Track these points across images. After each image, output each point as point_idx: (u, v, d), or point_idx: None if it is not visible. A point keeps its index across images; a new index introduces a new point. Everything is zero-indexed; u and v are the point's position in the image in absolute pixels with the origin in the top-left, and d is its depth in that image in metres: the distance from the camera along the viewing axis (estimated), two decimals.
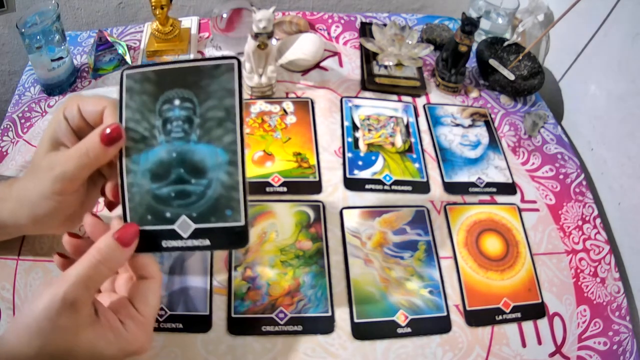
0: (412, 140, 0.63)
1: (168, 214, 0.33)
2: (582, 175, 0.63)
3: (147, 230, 0.33)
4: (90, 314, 0.32)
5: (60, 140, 0.36)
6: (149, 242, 0.34)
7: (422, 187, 0.58)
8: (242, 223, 0.33)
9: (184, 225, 0.33)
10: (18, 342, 0.30)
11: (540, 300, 0.51)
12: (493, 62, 0.69)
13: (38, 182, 0.36)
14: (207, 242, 0.33)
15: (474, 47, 0.73)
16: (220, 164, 0.33)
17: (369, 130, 0.63)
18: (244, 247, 0.34)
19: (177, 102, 0.33)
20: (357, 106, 0.66)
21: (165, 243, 0.34)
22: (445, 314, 0.48)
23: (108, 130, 0.33)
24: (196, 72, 0.33)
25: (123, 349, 0.33)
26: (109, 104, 0.35)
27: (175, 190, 0.33)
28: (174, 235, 0.33)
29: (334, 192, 0.56)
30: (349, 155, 0.60)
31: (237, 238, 0.33)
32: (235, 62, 0.33)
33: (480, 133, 0.65)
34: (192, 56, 0.70)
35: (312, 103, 0.65)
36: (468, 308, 0.49)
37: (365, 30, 0.77)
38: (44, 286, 0.30)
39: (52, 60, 0.61)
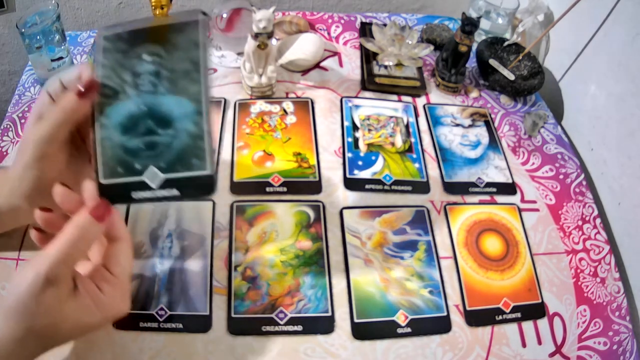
0: (412, 140, 0.63)
1: (137, 166, 0.34)
2: (582, 175, 0.63)
3: (118, 183, 0.34)
4: (71, 287, 0.33)
5: (45, 115, 0.37)
6: (120, 194, 0.34)
7: (422, 187, 0.58)
8: (208, 171, 0.33)
9: (153, 175, 0.34)
10: (5, 324, 0.31)
11: (540, 300, 0.51)
12: (493, 62, 0.69)
13: (22, 154, 0.37)
14: (175, 192, 0.34)
15: (474, 47, 0.73)
16: (186, 114, 0.34)
17: (369, 130, 0.63)
18: (211, 194, 0.35)
19: (146, 57, 0.34)
20: (357, 106, 0.66)
21: (135, 194, 0.34)
22: (445, 314, 0.48)
23: (82, 84, 0.34)
24: (165, 29, 0.34)
25: (104, 314, 0.34)
26: (85, 67, 0.36)
27: (144, 141, 0.34)
28: (144, 186, 0.34)
29: (334, 192, 0.56)
30: (349, 155, 0.60)
31: (204, 187, 0.34)
32: (200, 16, 0.34)
33: (480, 133, 0.65)
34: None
35: (312, 103, 0.65)
36: (468, 308, 0.49)
37: (365, 30, 0.77)
38: (25, 267, 0.32)
39: (52, 60, 0.62)
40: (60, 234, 0.33)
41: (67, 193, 0.35)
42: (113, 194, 0.34)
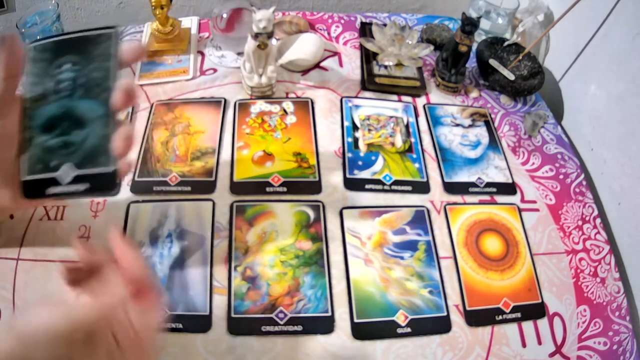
0: (412, 140, 0.63)
1: (54, 163, 0.38)
2: (582, 175, 0.63)
3: (35, 179, 0.38)
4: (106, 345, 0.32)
5: None
6: (36, 190, 0.38)
7: (422, 187, 0.58)
8: (112, 168, 0.37)
9: (65, 172, 0.37)
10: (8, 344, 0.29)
11: (540, 300, 0.51)
12: (493, 62, 0.69)
13: None
14: (84, 187, 0.38)
15: (474, 47, 0.73)
16: (97, 116, 0.38)
17: (369, 130, 0.63)
18: (114, 191, 0.38)
19: (66, 65, 0.39)
20: (357, 106, 0.66)
21: (49, 190, 0.38)
22: (445, 314, 0.48)
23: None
24: (83, 41, 0.39)
25: None
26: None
27: (59, 141, 0.38)
28: (57, 182, 0.38)
29: (334, 192, 0.56)
30: (349, 155, 0.60)
31: (109, 182, 0.38)
32: (113, 30, 0.39)
33: (480, 133, 0.65)
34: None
35: (312, 103, 0.65)
36: (468, 308, 0.49)
37: (365, 30, 0.77)
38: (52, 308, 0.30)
39: None
40: (103, 297, 0.32)
41: (92, 250, 0.34)
42: (30, 190, 0.38)
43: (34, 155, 0.38)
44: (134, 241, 0.34)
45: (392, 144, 0.62)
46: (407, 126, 0.64)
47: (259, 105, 0.64)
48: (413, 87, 0.68)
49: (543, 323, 0.50)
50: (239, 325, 0.46)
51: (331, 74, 0.70)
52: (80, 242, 0.35)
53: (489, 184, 0.59)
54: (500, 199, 0.58)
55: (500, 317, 0.49)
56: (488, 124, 0.66)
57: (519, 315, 0.50)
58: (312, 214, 0.53)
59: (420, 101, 0.68)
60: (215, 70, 0.69)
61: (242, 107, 0.64)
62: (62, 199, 0.40)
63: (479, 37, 0.78)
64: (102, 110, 0.38)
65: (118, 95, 0.37)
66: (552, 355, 0.48)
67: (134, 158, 0.57)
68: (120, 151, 0.38)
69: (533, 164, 0.63)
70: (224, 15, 0.69)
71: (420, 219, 0.55)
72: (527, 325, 0.49)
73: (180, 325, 0.45)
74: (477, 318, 0.49)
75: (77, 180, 0.38)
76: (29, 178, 0.38)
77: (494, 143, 0.64)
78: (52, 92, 0.38)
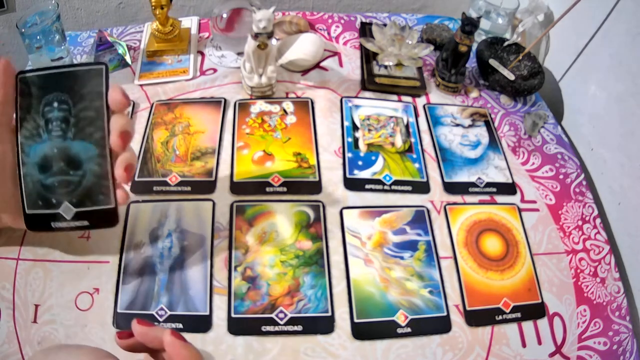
0: (412, 140, 0.63)
1: (54, 200, 0.39)
2: (582, 175, 0.63)
3: (39, 214, 0.39)
4: None
5: None
6: (42, 223, 0.39)
7: (422, 187, 0.58)
8: (112, 205, 0.39)
9: (67, 209, 0.39)
10: None
11: (540, 300, 0.51)
12: (493, 62, 0.69)
13: None
14: (86, 223, 0.39)
15: (474, 47, 0.73)
16: (92, 157, 0.39)
17: (369, 130, 0.63)
18: (115, 225, 0.40)
19: (55, 104, 0.39)
20: (357, 106, 0.66)
21: (54, 224, 0.39)
22: (445, 314, 0.48)
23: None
24: (71, 77, 0.39)
25: None
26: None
27: (57, 180, 0.39)
28: (60, 218, 0.39)
29: (334, 192, 0.56)
30: (349, 155, 0.60)
31: (109, 218, 0.39)
32: (102, 67, 0.39)
33: (480, 133, 0.65)
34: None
35: (312, 103, 0.65)
36: (468, 308, 0.49)
37: (365, 30, 0.77)
38: None
39: (52, 60, 0.62)
40: None
41: (145, 331, 0.33)
42: (36, 223, 0.39)
43: (34, 190, 0.39)
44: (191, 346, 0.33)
45: (392, 144, 0.62)
46: (407, 126, 0.64)
47: (259, 105, 0.64)
48: (413, 87, 0.69)
49: (543, 323, 0.50)
50: (239, 325, 0.46)
51: (331, 74, 0.70)
52: (139, 323, 0.33)
53: (489, 184, 0.59)
54: (500, 199, 0.58)
55: (500, 317, 0.49)
56: (488, 124, 0.66)
57: (519, 315, 0.49)
58: (312, 214, 0.53)
59: (420, 101, 0.68)
60: (215, 70, 0.69)
61: (242, 107, 0.64)
62: (65, 231, 0.41)
63: (479, 37, 0.78)
64: (97, 151, 0.39)
65: (116, 139, 0.38)
66: (552, 355, 0.48)
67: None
68: (123, 179, 0.39)
69: (533, 164, 0.63)
70: (224, 15, 0.69)
71: (420, 219, 0.55)
72: (527, 325, 0.49)
73: (180, 325, 0.45)
74: (477, 318, 0.49)
75: (78, 217, 0.39)
76: (32, 212, 0.39)
77: (494, 143, 0.64)
78: (43, 131, 0.39)
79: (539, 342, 0.49)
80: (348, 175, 0.58)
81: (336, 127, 0.63)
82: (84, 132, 0.39)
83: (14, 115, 0.39)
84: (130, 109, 0.62)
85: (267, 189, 0.55)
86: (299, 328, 0.46)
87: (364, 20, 0.80)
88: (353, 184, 0.57)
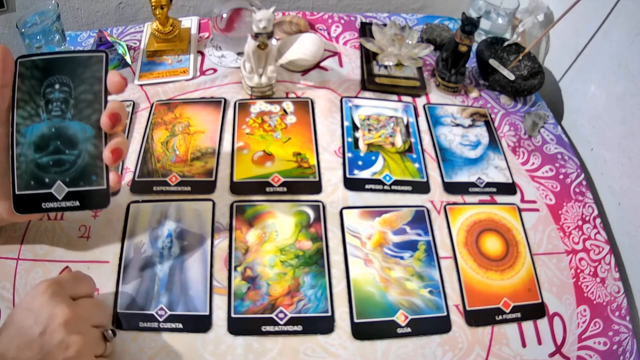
0: (412, 140, 0.63)
1: (47, 179, 0.39)
2: (582, 175, 0.63)
3: (29, 194, 0.39)
4: None
5: None
6: (31, 204, 0.40)
7: (422, 187, 0.58)
8: (104, 187, 0.40)
9: (59, 188, 0.39)
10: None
11: (540, 300, 0.51)
12: (493, 62, 0.69)
13: None
14: (77, 203, 0.40)
15: (474, 47, 0.73)
16: (88, 137, 0.40)
17: (369, 130, 0.63)
18: (106, 207, 0.40)
19: (57, 86, 0.40)
20: (357, 106, 0.66)
21: (44, 205, 0.40)
22: (445, 314, 0.48)
23: None
24: (73, 62, 0.40)
25: None
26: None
27: (52, 159, 0.39)
28: (51, 198, 0.39)
29: (334, 192, 0.56)
30: (349, 155, 0.60)
31: (100, 199, 0.40)
32: (103, 54, 0.41)
33: (480, 133, 0.65)
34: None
35: (312, 103, 0.65)
36: (468, 308, 0.49)
37: (365, 30, 0.77)
38: None
39: None
40: None
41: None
42: (26, 205, 0.39)
43: (27, 171, 0.39)
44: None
45: (392, 144, 0.62)
46: (407, 126, 0.64)
47: (259, 105, 0.64)
48: (413, 87, 0.69)
49: (543, 323, 0.50)
50: (239, 325, 0.46)
51: (331, 74, 0.70)
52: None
53: (489, 184, 0.59)
54: (500, 199, 0.58)
55: (500, 317, 0.49)
56: (488, 124, 0.66)
57: (519, 315, 0.49)
58: (312, 214, 0.53)
59: (420, 101, 0.68)
60: (215, 70, 0.69)
61: (242, 107, 0.64)
62: (54, 212, 0.41)
63: (479, 37, 0.78)
64: (93, 132, 0.40)
65: (105, 118, 0.39)
66: (552, 355, 0.48)
67: (133, 159, 0.57)
68: (109, 161, 0.40)
69: (533, 164, 0.63)
70: (224, 15, 0.69)
71: (420, 219, 0.55)
72: (527, 325, 0.49)
73: (180, 325, 0.45)
74: (477, 318, 0.49)
75: (69, 196, 0.40)
76: (22, 193, 0.39)
77: (494, 143, 0.64)
78: (42, 111, 0.40)
79: (539, 342, 0.49)
80: (348, 175, 0.58)
81: (336, 127, 0.63)
82: (82, 113, 0.40)
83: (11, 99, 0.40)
84: (130, 108, 0.62)
85: (267, 189, 0.55)
86: (299, 328, 0.46)
87: (364, 20, 0.80)
88: (353, 184, 0.57)
